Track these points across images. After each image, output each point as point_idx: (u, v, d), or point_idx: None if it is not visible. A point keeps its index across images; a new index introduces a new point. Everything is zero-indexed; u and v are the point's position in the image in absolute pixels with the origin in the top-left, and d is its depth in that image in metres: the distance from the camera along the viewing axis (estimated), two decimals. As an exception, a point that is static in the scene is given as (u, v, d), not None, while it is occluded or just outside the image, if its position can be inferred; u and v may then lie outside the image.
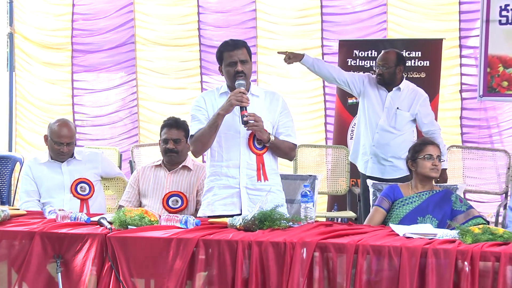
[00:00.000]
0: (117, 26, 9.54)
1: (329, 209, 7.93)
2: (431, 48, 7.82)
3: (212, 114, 4.69)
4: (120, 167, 7.53)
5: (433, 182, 5.08)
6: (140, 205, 5.47)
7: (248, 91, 4.76)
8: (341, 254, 3.80)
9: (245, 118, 4.57)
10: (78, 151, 5.65)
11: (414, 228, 4.22)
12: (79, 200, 5.48)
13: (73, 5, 9.54)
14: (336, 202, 7.85)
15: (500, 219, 6.96)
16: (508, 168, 7.38)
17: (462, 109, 8.62)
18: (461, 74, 8.62)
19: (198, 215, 4.83)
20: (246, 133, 4.68)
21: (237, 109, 4.63)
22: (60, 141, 5.48)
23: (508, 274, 3.59)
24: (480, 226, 3.99)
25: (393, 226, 4.27)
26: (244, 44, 4.81)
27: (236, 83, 4.66)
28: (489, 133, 8.62)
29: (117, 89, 9.65)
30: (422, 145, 5.06)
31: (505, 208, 7.10)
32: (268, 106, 4.82)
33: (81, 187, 5.46)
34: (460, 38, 8.56)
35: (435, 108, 7.65)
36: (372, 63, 7.82)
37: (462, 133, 8.62)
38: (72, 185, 5.45)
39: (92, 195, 5.46)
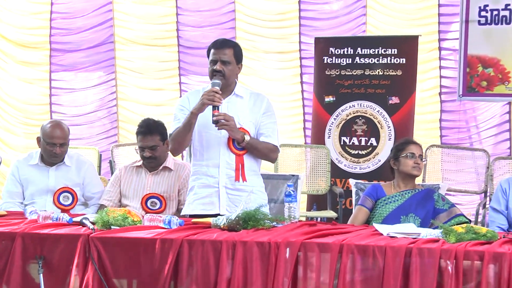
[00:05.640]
0: (96, 25, 9.51)
1: (308, 208, 7.94)
2: (406, 46, 7.83)
3: None
4: (99, 167, 7.48)
5: (415, 180, 5.11)
6: (120, 204, 5.45)
7: (232, 92, 4.79)
8: (325, 254, 3.79)
9: (214, 118, 4.58)
10: (70, 156, 5.56)
11: (397, 227, 4.23)
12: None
13: (52, 3, 9.50)
14: (315, 201, 7.85)
15: (480, 218, 7.00)
16: (487, 168, 7.43)
17: (442, 111, 8.68)
18: (440, 77, 8.68)
19: (181, 214, 4.82)
20: (226, 133, 4.68)
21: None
22: (52, 142, 5.39)
23: (491, 273, 3.60)
24: (464, 225, 4.01)
25: (376, 226, 4.28)
26: (233, 45, 4.81)
27: (211, 82, 4.67)
28: (468, 134, 8.69)
29: (95, 88, 9.61)
30: (405, 144, 5.09)
31: (484, 207, 7.16)
32: (252, 107, 4.82)
33: (64, 197, 5.36)
34: (439, 40, 8.63)
35: (412, 106, 7.70)
36: (348, 60, 7.84)
37: (441, 136, 8.69)
38: (55, 193, 5.34)
39: (74, 206, 5.36)
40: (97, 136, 9.52)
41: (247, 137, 4.68)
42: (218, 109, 4.59)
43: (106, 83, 9.57)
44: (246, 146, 4.72)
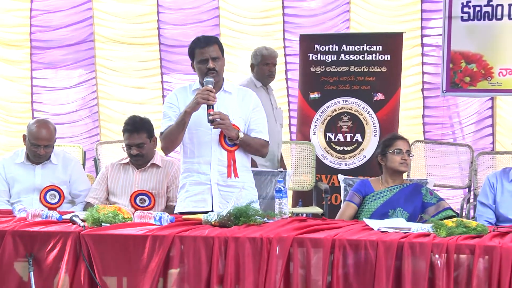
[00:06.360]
0: (75, 22, 9.45)
1: (294, 205, 7.95)
2: (391, 42, 7.86)
3: None
4: (84, 164, 7.44)
5: (402, 176, 5.13)
6: (108, 202, 5.44)
7: (220, 88, 4.78)
8: (318, 249, 3.81)
9: (210, 117, 4.58)
10: (56, 153, 5.53)
11: (388, 222, 4.26)
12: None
13: (31, 1, 9.41)
14: (300, 198, 7.87)
15: (464, 212, 7.04)
16: (471, 163, 7.48)
17: (424, 107, 8.73)
18: (423, 73, 8.73)
19: (174, 212, 4.81)
20: (217, 129, 4.68)
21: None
22: (37, 143, 5.35)
23: (481, 266, 3.63)
24: (454, 219, 4.03)
25: (367, 221, 4.30)
26: (216, 40, 4.82)
27: (205, 80, 4.66)
28: (452, 130, 8.75)
29: (77, 87, 9.55)
30: (392, 140, 5.11)
31: (468, 202, 7.22)
32: (241, 103, 4.83)
33: (50, 195, 5.25)
34: (422, 36, 8.68)
35: (396, 103, 7.73)
36: (334, 57, 7.85)
37: (424, 131, 8.74)
38: (41, 192, 5.25)
39: (61, 204, 5.27)
40: (80, 135, 9.47)
41: (241, 134, 4.70)
42: (212, 108, 4.59)
43: (87, 82, 9.52)
44: (239, 143, 4.73)
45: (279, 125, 6.83)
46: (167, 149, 4.85)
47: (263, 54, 6.83)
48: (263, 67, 6.79)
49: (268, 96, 6.79)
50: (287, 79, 9.05)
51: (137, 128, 5.38)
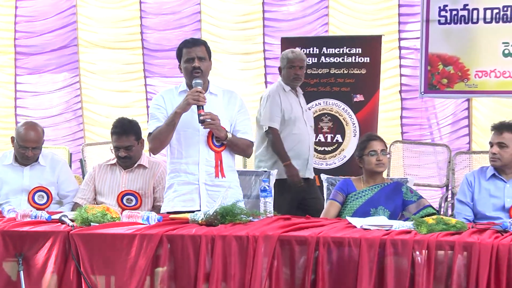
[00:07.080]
0: (59, 27, 9.49)
1: (276, 204, 8.01)
2: (370, 45, 7.92)
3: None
4: (70, 166, 7.48)
5: (383, 175, 5.23)
6: (95, 203, 5.49)
7: (206, 90, 4.85)
8: (302, 246, 3.89)
9: (201, 117, 4.64)
10: (44, 155, 5.57)
11: (370, 220, 4.33)
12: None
13: (16, 7, 9.45)
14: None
15: (442, 210, 7.17)
16: (449, 162, 7.61)
17: (402, 109, 8.85)
18: (401, 75, 8.86)
19: (161, 212, 4.89)
20: (205, 130, 4.75)
21: (195, 107, 4.69)
22: (25, 145, 5.39)
23: (461, 262, 3.72)
24: (434, 216, 4.11)
25: (349, 219, 4.37)
26: (203, 42, 4.91)
27: (193, 82, 4.73)
28: (430, 130, 8.87)
29: (61, 91, 9.58)
30: (366, 142, 5.17)
31: (446, 200, 7.35)
32: (226, 105, 4.90)
33: (39, 196, 5.31)
34: (399, 39, 8.80)
35: (375, 104, 7.82)
36: (314, 60, 7.92)
37: (402, 132, 8.86)
38: (30, 193, 5.31)
39: (49, 205, 5.34)
40: (64, 138, 9.49)
41: (229, 135, 4.78)
42: (203, 109, 4.66)
43: (71, 86, 9.55)
44: (228, 143, 4.81)
45: (310, 127, 6.85)
46: (155, 150, 4.90)
47: (289, 57, 6.81)
48: (289, 70, 6.77)
49: (297, 99, 6.80)
50: (266, 82, 9.14)
51: (126, 130, 5.43)
